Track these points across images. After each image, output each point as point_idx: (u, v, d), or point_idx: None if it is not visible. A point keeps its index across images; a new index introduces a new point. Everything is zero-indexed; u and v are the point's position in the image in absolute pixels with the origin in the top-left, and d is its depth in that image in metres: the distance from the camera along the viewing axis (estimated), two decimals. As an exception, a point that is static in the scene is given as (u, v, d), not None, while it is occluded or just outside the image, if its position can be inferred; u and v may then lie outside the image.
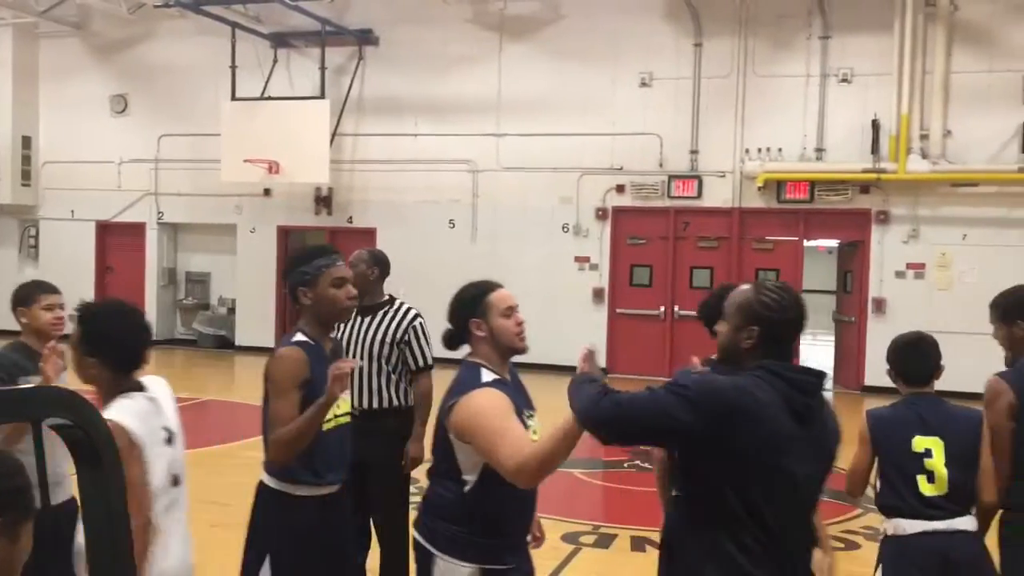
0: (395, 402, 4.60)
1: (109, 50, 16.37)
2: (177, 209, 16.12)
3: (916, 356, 3.66)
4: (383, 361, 4.57)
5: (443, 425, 2.93)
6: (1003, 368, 3.82)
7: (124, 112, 16.31)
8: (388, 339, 4.57)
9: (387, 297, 4.75)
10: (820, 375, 2.59)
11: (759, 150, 13.36)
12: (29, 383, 3.68)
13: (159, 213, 16.21)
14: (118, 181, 16.26)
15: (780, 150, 13.29)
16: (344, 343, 4.63)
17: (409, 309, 4.68)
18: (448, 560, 2.87)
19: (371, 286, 4.69)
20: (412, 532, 3.09)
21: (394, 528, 4.68)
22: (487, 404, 2.85)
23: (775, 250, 13.64)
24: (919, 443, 3.46)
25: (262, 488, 3.41)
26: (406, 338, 4.58)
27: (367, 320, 4.64)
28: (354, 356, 4.57)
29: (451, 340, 3.08)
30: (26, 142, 16.51)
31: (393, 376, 4.59)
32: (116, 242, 16.63)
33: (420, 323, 4.66)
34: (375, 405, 4.59)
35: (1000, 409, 3.61)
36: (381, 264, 4.75)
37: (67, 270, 16.21)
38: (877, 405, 3.88)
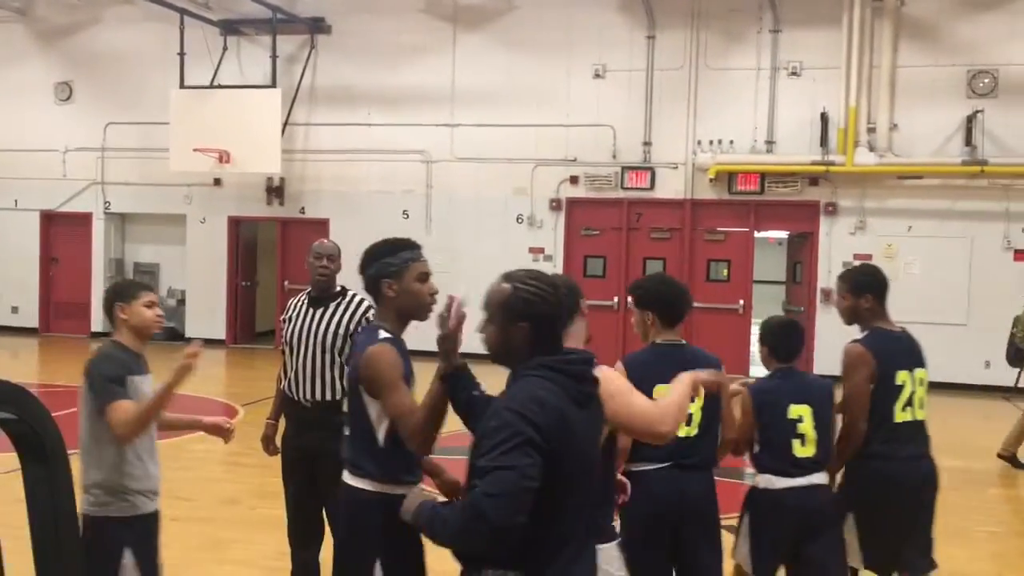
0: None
1: (53, 36, 15.99)
2: (124, 199, 15.83)
3: (789, 337, 4.13)
4: (336, 353, 4.54)
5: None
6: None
7: (69, 99, 15.96)
8: (341, 331, 4.55)
9: (339, 288, 4.72)
10: (590, 360, 2.61)
11: (711, 142, 13.49)
12: (141, 382, 3.63)
13: (106, 203, 15.91)
14: (63, 170, 15.91)
15: (731, 142, 13.44)
16: (296, 335, 4.59)
17: (362, 300, 4.65)
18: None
19: (334, 278, 4.67)
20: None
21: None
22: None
23: (726, 241, 13.81)
24: (793, 411, 3.95)
25: (356, 493, 3.26)
26: (358, 329, 4.56)
27: (319, 312, 4.60)
28: (307, 348, 4.55)
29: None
30: (-33, 130, 16.07)
31: (347, 368, 4.57)
32: (61, 232, 16.28)
33: (373, 314, 4.63)
34: (328, 396, 4.56)
35: (865, 374, 4.07)
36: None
37: (11, 261, 15.88)
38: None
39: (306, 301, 4.69)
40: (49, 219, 16.19)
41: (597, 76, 13.87)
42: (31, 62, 15.99)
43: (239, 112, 13.92)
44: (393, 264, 3.27)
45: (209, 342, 15.07)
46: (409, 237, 3.40)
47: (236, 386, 12.56)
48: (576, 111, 13.87)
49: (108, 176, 15.79)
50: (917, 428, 4.16)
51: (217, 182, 15.17)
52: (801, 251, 13.97)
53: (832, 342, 13.89)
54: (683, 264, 13.75)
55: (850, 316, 4.29)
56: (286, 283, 15.04)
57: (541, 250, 14.21)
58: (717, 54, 13.52)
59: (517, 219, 14.21)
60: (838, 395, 4.14)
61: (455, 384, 2.86)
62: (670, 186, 13.77)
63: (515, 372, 2.57)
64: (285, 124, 14.38)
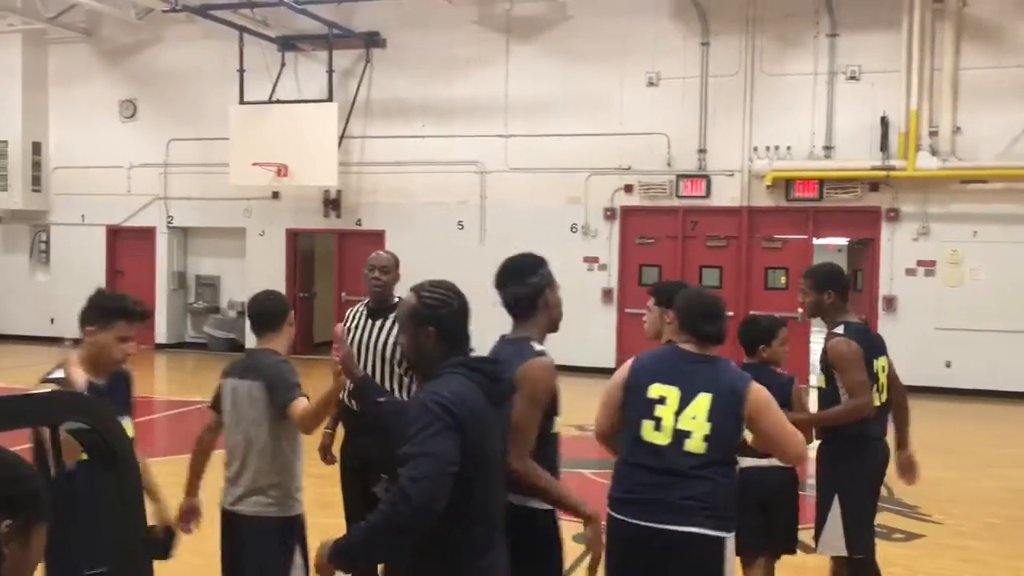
0: None
1: (118, 55, 16.44)
2: (186, 213, 16.18)
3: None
4: (395, 363, 4.57)
5: None
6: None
7: (133, 117, 16.37)
8: (399, 341, 4.58)
9: (397, 299, 4.75)
10: (502, 364, 2.86)
11: (767, 148, 13.34)
12: None
13: (169, 217, 16.27)
14: (128, 186, 16.32)
15: (788, 148, 13.26)
16: (356, 346, 4.64)
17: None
18: None
19: (391, 289, 4.71)
20: None
21: None
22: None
23: (784, 248, 13.62)
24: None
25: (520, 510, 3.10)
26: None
27: (378, 322, 4.65)
28: (366, 359, 4.58)
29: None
30: (36, 148, 16.59)
31: (405, 379, 4.60)
32: (126, 246, 16.69)
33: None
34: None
35: (860, 366, 4.23)
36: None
37: (77, 275, 16.30)
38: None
39: (365, 312, 4.73)
40: (115, 233, 16.61)
41: (651, 84, 13.80)
42: (97, 81, 16.45)
43: (296, 126, 14.14)
44: (546, 278, 3.28)
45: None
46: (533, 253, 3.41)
47: (295, 396, 12.70)
48: (630, 120, 13.82)
49: (171, 191, 16.16)
50: (887, 410, 4.48)
51: (275, 195, 15.42)
52: (862, 258, 13.71)
53: (898, 350, 13.61)
54: (740, 272, 13.60)
55: (814, 310, 4.49)
56: (343, 294, 15.21)
57: (596, 259, 14.16)
58: (773, 59, 13.37)
59: (571, 228, 14.19)
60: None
61: (363, 393, 3.30)
62: (726, 194, 13.63)
63: (429, 376, 2.75)
64: (341, 137, 14.57)
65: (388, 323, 4.62)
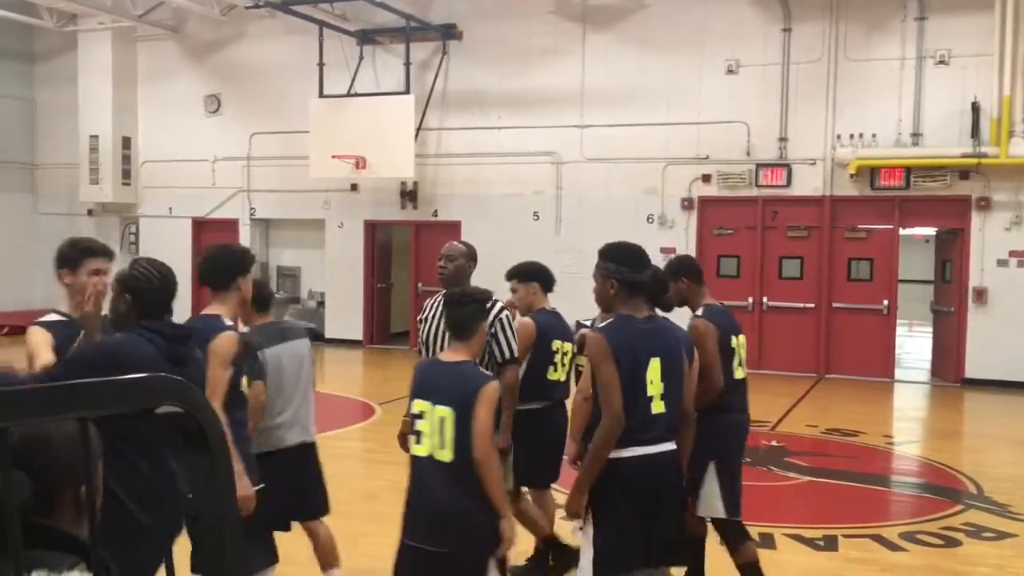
0: None
1: (203, 51, 16.85)
2: (268, 205, 16.52)
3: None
4: None
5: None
6: None
7: (217, 111, 16.78)
8: None
9: None
10: (186, 329, 3.55)
11: (851, 136, 12.99)
12: None
13: (251, 209, 16.64)
14: (212, 179, 16.74)
15: (874, 136, 12.89)
16: (432, 335, 4.68)
17: (496, 302, 4.71)
18: None
19: (466, 280, 4.74)
20: None
21: None
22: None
23: (869, 239, 13.26)
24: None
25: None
26: (492, 331, 4.61)
27: None
28: (442, 348, 4.63)
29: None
30: (126, 142, 17.12)
31: (480, 367, 4.63)
32: (211, 238, 17.09)
33: (506, 316, 4.68)
34: None
35: (713, 346, 4.53)
36: (475, 258, 4.94)
37: (165, 266, 16.80)
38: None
39: (442, 302, 4.77)
40: (200, 225, 17.06)
41: (730, 72, 13.56)
42: (183, 76, 16.90)
43: (374, 119, 14.30)
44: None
45: (347, 343, 15.57)
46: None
47: (373, 385, 12.90)
48: (708, 108, 13.60)
49: (253, 184, 16.52)
50: (746, 384, 4.87)
51: (354, 187, 15.63)
52: (951, 248, 13.25)
53: (989, 344, 13.18)
54: (822, 263, 13.29)
55: (677, 300, 4.77)
56: (420, 285, 15.35)
57: (672, 250, 13.95)
58: (858, 45, 13.00)
59: (648, 219, 14.05)
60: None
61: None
62: (808, 183, 13.32)
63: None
64: (418, 129, 14.68)
65: None
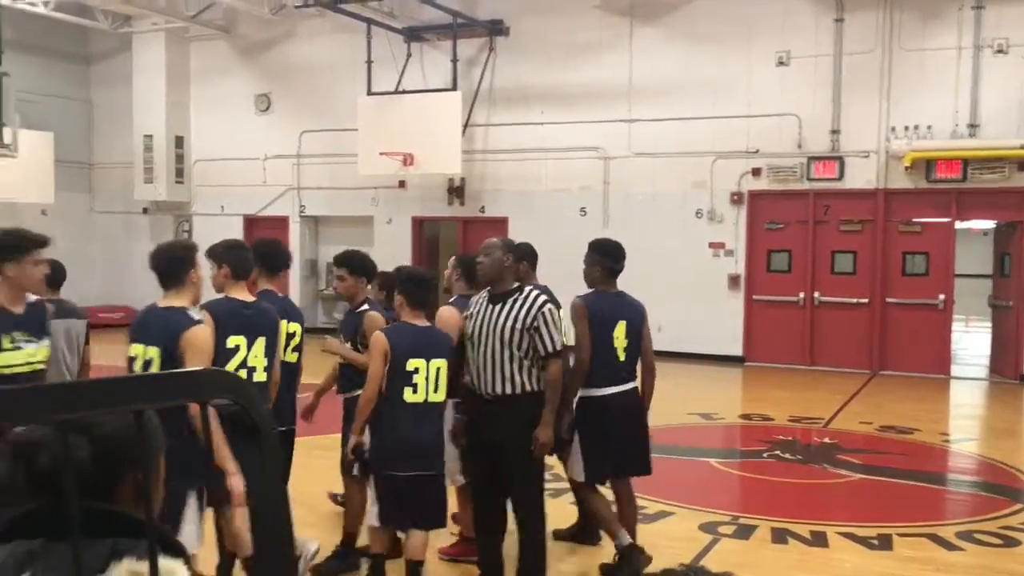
0: (527, 387, 4.66)
1: (253, 51, 17.07)
2: (318, 202, 16.69)
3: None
4: (515, 347, 4.61)
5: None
6: None
7: (268, 110, 16.99)
8: (519, 325, 4.62)
9: (516, 285, 4.79)
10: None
11: (906, 128, 12.73)
12: None
13: (301, 207, 16.83)
14: (263, 177, 16.96)
15: (929, 127, 12.62)
16: (477, 331, 4.69)
17: (539, 296, 4.71)
18: None
19: (505, 273, 4.74)
20: None
21: (531, 507, 4.75)
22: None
23: (924, 232, 12.99)
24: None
25: None
26: (535, 324, 4.62)
27: (497, 307, 4.69)
28: (486, 342, 4.64)
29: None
30: (179, 142, 17.43)
31: (525, 362, 4.63)
32: (262, 235, 17.30)
33: (549, 309, 4.68)
34: (508, 391, 4.63)
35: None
36: (515, 252, 4.92)
37: (217, 262, 17.07)
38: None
39: (486, 297, 4.78)
40: (251, 223, 17.29)
41: (781, 64, 13.38)
42: (234, 76, 17.14)
43: (422, 115, 14.37)
44: None
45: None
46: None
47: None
48: (758, 101, 13.43)
49: (303, 181, 16.70)
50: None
51: (401, 184, 15.72)
52: (1010, 241, 12.93)
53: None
54: (876, 257, 13.06)
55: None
56: (467, 281, 15.37)
57: (722, 245, 13.86)
58: (912, 34, 12.73)
59: (696, 214, 13.93)
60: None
61: None
62: (861, 175, 13.09)
63: None
64: (465, 125, 14.72)
65: (507, 307, 4.67)
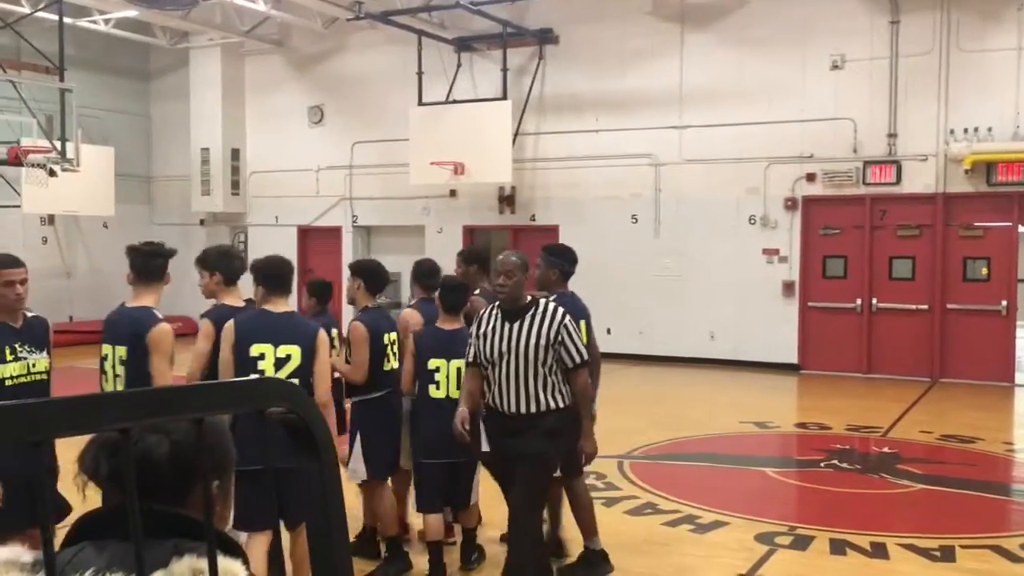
0: (551, 404, 4.59)
1: (306, 64, 17.33)
2: (370, 212, 16.85)
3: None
4: (539, 364, 4.55)
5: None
6: None
7: (320, 122, 17.21)
8: (543, 342, 4.54)
9: (529, 299, 4.73)
10: None
11: (965, 131, 12.46)
12: None
13: (354, 217, 17.01)
14: (316, 188, 17.18)
15: (990, 130, 12.34)
16: (496, 350, 4.61)
17: (556, 308, 4.64)
18: None
19: (520, 289, 4.67)
20: None
21: (528, 508, 4.69)
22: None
23: (986, 237, 12.69)
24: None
25: None
26: (559, 338, 4.56)
27: (515, 325, 4.60)
28: (508, 361, 4.58)
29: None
30: (235, 154, 17.75)
31: (550, 379, 4.57)
32: (315, 245, 17.58)
33: (570, 320, 4.62)
34: (533, 409, 4.59)
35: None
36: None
37: (272, 272, 17.32)
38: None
39: (499, 314, 4.68)
40: (305, 233, 17.53)
41: (835, 67, 13.19)
42: (288, 88, 17.41)
43: (472, 125, 14.44)
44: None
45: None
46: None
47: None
48: (812, 105, 13.26)
49: (355, 192, 16.89)
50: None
51: (452, 193, 15.81)
52: (1075, 246, 12.57)
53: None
54: (935, 263, 12.79)
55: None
56: (519, 289, 15.38)
57: (776, 251, 13.68)
58: (971, 36, 12.47)
59: (750, 220, 13.77)
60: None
61: None
62: (919, 180, 12.84)
63: None
64: (515, 134, 14.75)
65: (528, 324, 4.58)
